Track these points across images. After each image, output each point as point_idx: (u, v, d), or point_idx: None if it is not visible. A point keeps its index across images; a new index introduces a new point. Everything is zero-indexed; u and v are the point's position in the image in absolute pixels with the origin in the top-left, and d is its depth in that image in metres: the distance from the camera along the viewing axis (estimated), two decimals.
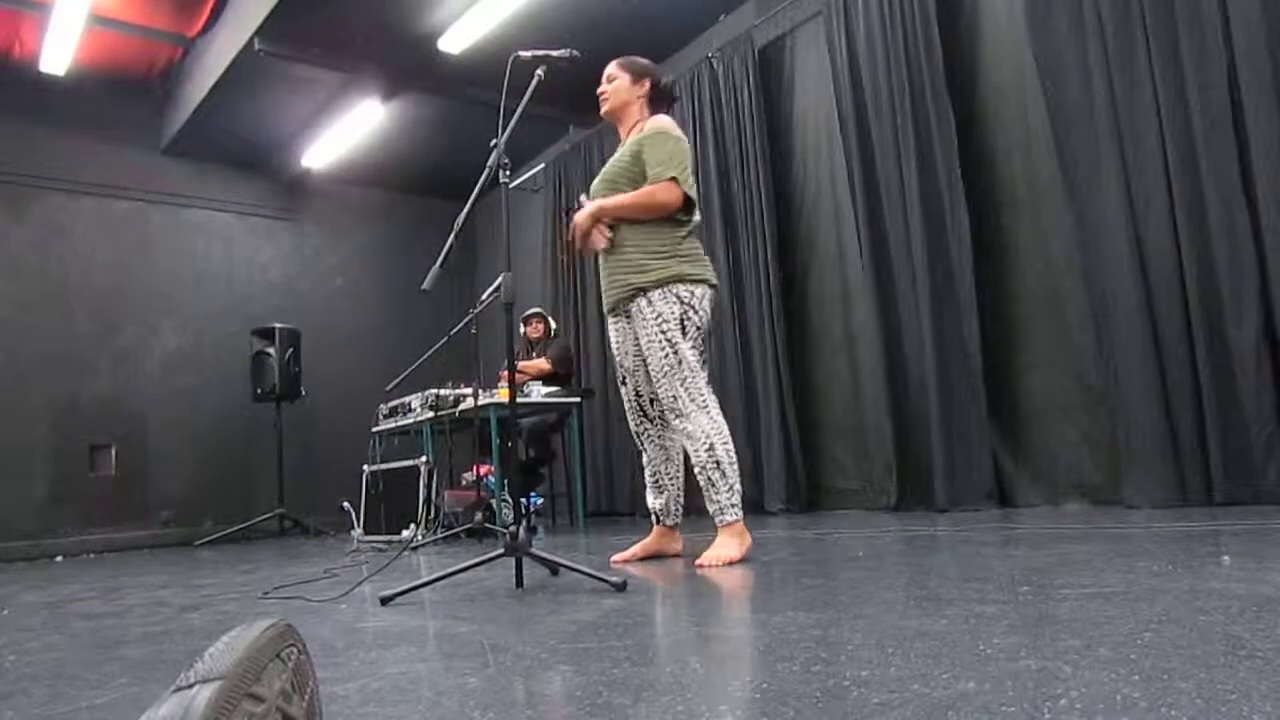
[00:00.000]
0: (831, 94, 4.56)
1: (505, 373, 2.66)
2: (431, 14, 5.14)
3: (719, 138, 5.21)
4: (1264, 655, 1.01)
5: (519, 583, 2.27)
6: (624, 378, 2.85)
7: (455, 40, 5.30)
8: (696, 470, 2.61)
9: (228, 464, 6.63)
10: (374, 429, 5.49)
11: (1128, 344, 3.28)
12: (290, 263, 7.32)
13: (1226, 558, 1.83)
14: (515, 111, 2.43)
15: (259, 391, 6.25)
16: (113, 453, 6.25)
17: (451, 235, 2.35)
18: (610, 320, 2.85)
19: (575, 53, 2.53)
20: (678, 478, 2.84)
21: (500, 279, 2.38)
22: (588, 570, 2.17)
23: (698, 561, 2.48)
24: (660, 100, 2.85)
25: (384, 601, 2.12)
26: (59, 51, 5.59)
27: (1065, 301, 3.68)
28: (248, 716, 0.60)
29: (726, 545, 2.52)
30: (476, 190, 2.49)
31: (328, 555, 4.06)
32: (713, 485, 2.58)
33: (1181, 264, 3.15)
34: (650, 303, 2.63)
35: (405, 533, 4.43)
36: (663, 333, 2.61)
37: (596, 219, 2.69)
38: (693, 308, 2.63)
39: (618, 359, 2.85)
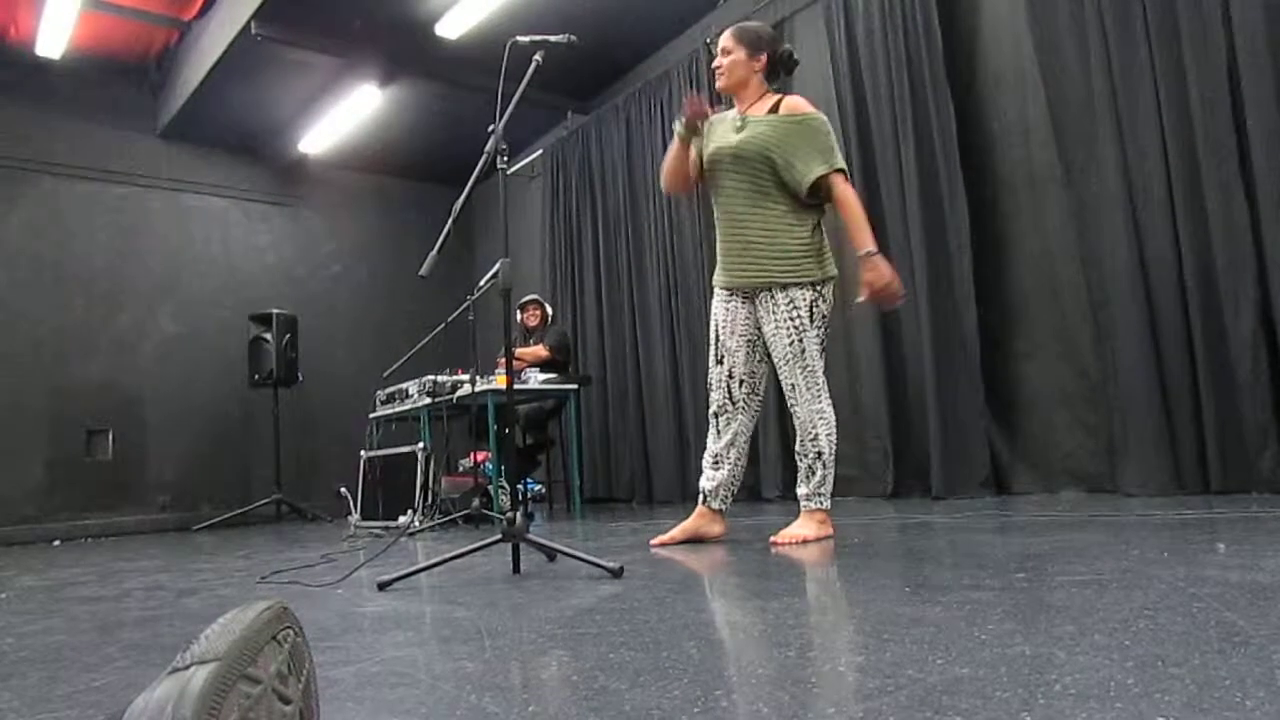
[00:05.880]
0: (830, 80, 4.53)
1: (503, 359, 2.66)
2: None
3: None
4: (1257, 642, 1.01)
5: (516, 568, 2.28)
6: (721, 356, 2.78)
7: (452, 25, 5.27)
8: (799, 455, 2.69)
9: (225, 449, 6.63)
10: (371, 415, 5.50)
11: (1125, 332, 3.28)
12: (287, 248, 7.29)
13: (1221, 546, 1.84)
14: (513, 97, 2.42)
15: (256, 377, 6.24)
16: (110, 437, 6.25)
17: (449, 221, 2.34)
18: (722, 294, 2.79)
19: (573, 37, 2.50)
20: (739, 463, 2.79)
21: (498, 265, 2.38)
22: (585, 556, 2.17)
23: (773, 539, 2.55)
24: (779, 71, 2.81)
25: (381, 587, 2.13)
26: (55, 34, 5.56)
27: (1063, 290, 3.67)
28: (244, 698, 0.60)
29: (806, 525, 2.59)
30: (474, 176, 2.48)
31: (325, 541, 4.06)
32: (811, 472, 2.65)
33: (1180, 253, 3.15)
34: (784, 288, 2.65)
35: (402, 518, 4.44)
36: (791, 319, 2.64)
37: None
38: (823, 296, 2.68)
39: (720, 337, 2.78)
